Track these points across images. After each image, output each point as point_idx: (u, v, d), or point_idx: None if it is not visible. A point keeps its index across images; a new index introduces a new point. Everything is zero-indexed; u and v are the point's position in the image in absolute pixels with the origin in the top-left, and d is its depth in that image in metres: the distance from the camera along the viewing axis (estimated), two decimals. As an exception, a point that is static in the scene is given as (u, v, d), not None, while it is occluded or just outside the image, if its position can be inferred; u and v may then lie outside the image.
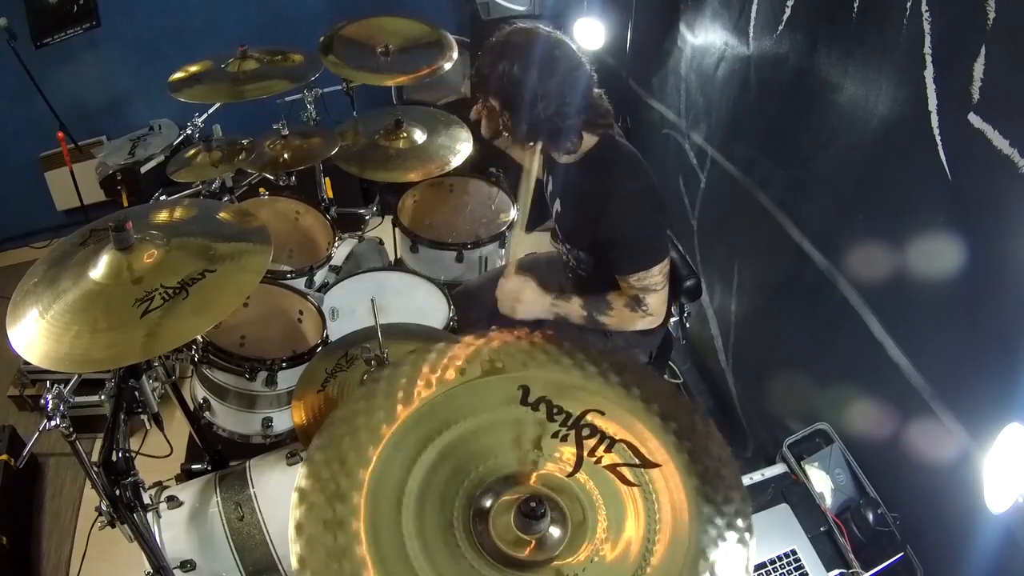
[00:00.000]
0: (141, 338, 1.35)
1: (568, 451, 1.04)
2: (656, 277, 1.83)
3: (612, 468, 1.02)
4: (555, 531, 0.95)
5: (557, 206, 1.98)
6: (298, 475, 0.96)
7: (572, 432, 1.05)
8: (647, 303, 1.87)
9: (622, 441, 1.04)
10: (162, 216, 1.68)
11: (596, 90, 1.82)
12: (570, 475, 1.01)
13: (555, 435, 1.05)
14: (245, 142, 2.43)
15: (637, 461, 1.02)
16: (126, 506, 1.47)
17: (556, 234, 2.13)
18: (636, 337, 2.08)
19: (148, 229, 1.56)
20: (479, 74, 1.77)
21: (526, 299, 1.92)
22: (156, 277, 1.45)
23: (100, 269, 1.46)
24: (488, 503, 0.97)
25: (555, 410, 1.07)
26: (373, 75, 2.53)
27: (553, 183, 2.00)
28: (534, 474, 1.01)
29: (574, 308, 1.93)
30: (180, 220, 1.69)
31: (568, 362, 1.14)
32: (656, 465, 1.02)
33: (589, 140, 1.84)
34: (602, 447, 1.04)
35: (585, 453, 1.03)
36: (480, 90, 1.80)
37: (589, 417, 1.07)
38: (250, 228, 1.65)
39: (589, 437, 1.05)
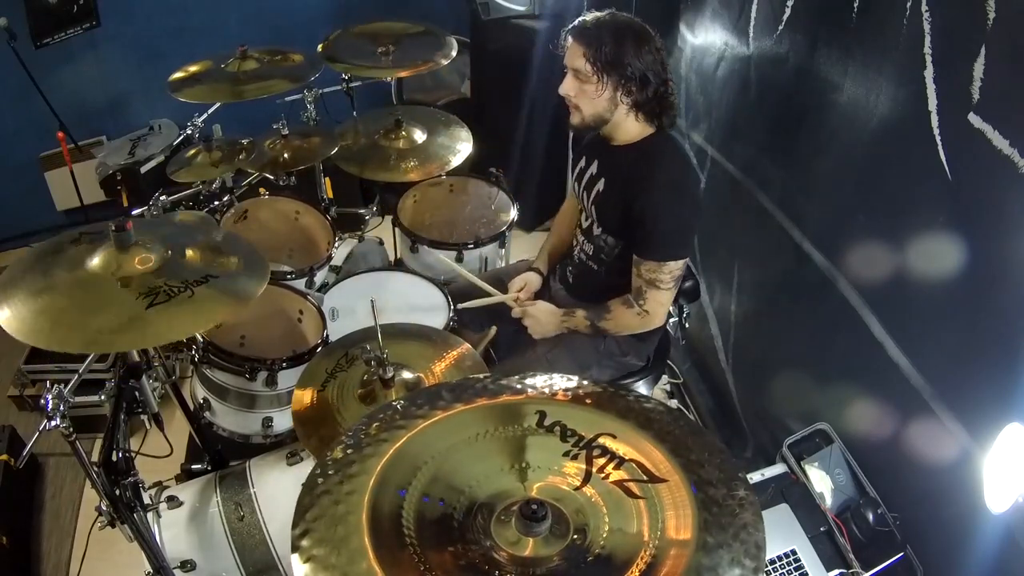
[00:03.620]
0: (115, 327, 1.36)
1: (577, 467, 1.05)
2: (665, 275, 1.88)
3: (619, 483, 1.03)
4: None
5: (599, 186, 1.98)
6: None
7: (583, 452, 1.07)
8: (646, 297, 1.92)
9: (631, 461, 1.06)
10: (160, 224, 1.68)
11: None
12: (577, 489, 1.03)
13: (566, 454, 1.07)
14: (245, 142, 2.43)
15: (644, 477, 1.03)
16: (126, 506, 1.47)
17: (579, 223, 2.14)
18: (630, 342, 2.10)
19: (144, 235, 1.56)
20: (600, 54, 1.77)
21: (544, 320, 2.08)
22: (143, 280, 1.45)
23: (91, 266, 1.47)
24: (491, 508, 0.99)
25: (568, 432, 1.10)
26: (374, 70, 2.54)
27: (599, 166, 2.00)
28: (535, 485, 1.04)
29: (579, 319, 2.04)
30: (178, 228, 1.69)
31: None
32: (663, 480, 1.02)
33: (647, 128, 1.89)
34: (611, 465, 1.05)
35: (594, 470, 1.05)
36: (604, 70, 1.79)
37: (601, 439, 1.09)
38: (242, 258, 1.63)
39: (600, 456, 1.07)
